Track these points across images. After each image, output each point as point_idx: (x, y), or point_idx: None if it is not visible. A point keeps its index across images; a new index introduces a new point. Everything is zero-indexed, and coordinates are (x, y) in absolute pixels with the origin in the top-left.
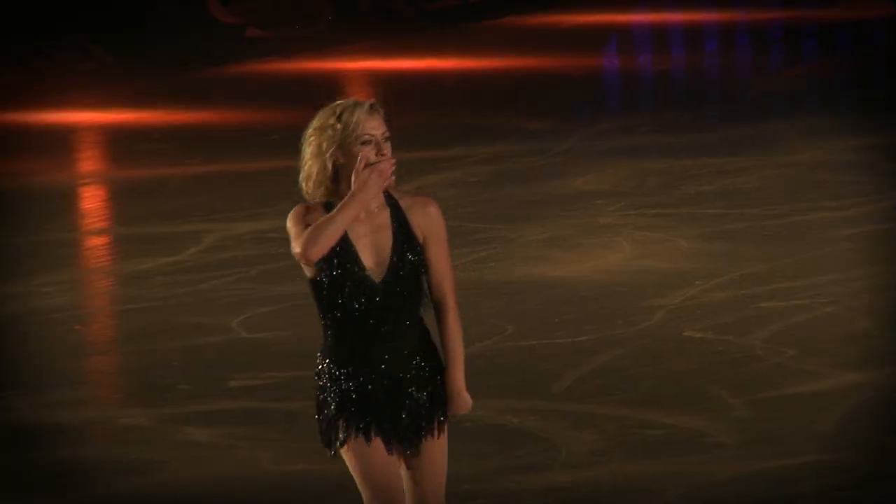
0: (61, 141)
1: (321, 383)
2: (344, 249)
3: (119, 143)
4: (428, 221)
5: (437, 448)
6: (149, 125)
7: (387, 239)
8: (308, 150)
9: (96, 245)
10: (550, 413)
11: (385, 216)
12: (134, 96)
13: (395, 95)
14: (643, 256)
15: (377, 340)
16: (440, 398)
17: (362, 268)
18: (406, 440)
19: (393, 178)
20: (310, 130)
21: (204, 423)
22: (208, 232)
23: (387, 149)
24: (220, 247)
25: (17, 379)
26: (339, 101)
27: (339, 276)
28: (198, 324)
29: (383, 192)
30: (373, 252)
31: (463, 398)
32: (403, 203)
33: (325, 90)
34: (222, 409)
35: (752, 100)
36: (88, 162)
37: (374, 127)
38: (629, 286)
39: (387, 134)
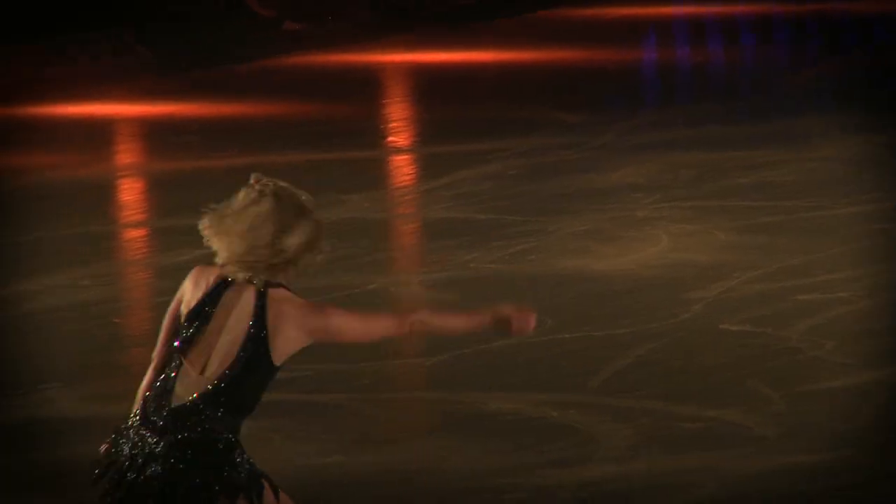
0: (99, 133)
1: (244, 464)
2: None
3: (156, 135)
4: None
5: None
6: (186, 118)
7: None
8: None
9: (134, 237)
10: (587, 407)
11: None
12: (171, 89)
13: (431, 88)
14: (680, 249)
15: None
16: None
17: None
18: None
19: None
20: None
21: None
22: None
23: None
24: None
25: (55, 372)
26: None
27: None
28: None
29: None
30: None
31: None
32: None
33: (360, 83)
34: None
35: (787, 94)
36: (126, 154)
37: None
38: (666, 279)
39: None
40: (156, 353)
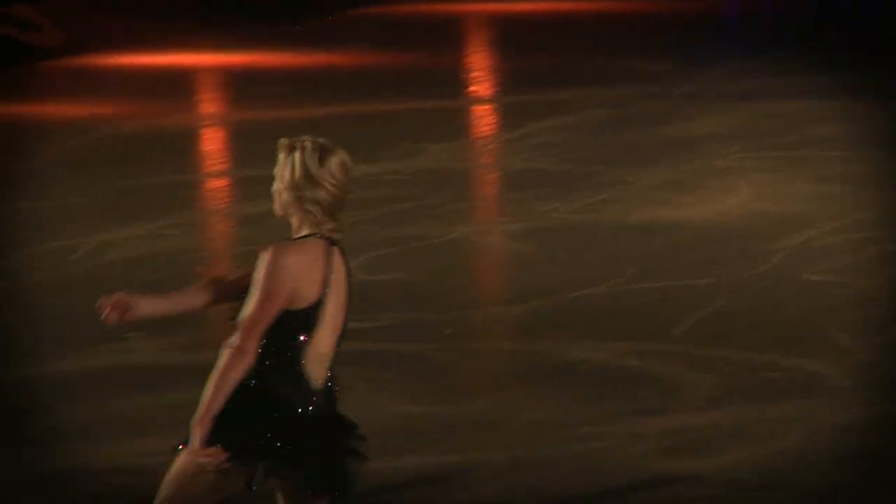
0: (182, 83)
1: None
2: None
3: (239, 85)
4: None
5: None
6: (268, 68)
7: None
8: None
9: (215, 187)
10: (670, 356)
11: None
12: (254, 39)
13: (514, 38)
14: (762, 199)
15: None
16: None
17: None
18: None
19: None
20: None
21: None
22: None
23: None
24: None
25: (140, 321)
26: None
27: None
28: None
29: None
30: None
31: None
32: None
33: (442, 33)
34: (342, 351)
35: (872, 41)
36: (209, 104)
37: None
38: (748, 229)
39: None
40: (244, 342)
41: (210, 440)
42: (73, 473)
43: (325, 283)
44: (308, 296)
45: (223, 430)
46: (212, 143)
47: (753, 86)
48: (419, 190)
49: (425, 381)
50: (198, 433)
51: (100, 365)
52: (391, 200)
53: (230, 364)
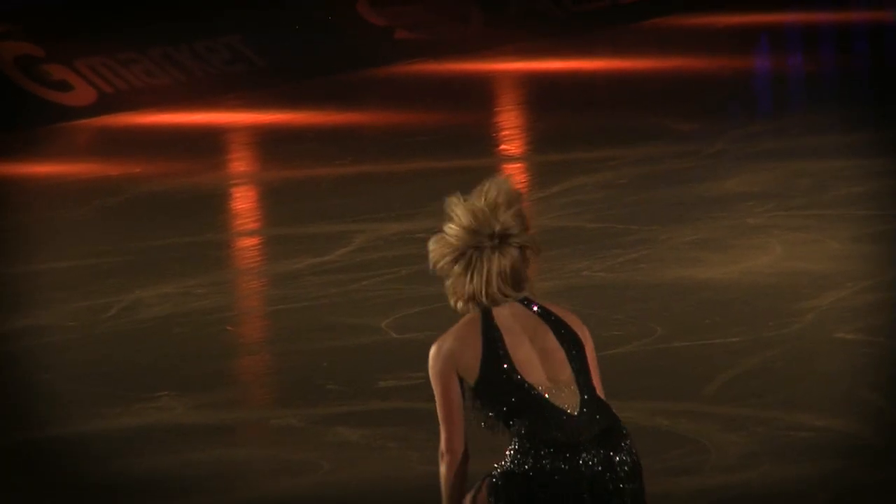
0: (213, 142)
1: None
2: None
3: (269, 144)
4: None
5: None
6: (299, 126)
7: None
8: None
9: (247, 246)
10: (701, 415)
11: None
12: (284, 98)
13: (544, 97)
14: (793, 258)
15: None
16: None
17: None
18: None
19: None
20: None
21: (354, 423)
22: (358, 232)
23: None
24: (369, 247)
25: (170, 380)
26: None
27: None
28: (347, 324)
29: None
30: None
31: None
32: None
33: (473, 92)
34: (372, 410)
35: None
36: (239, 163)
37: None
38: (779, 288)
39: None
40: (443, 443)
41: None
42: None
43: (484, 350)
44: (474, 367)
45: None
46: (243, 201)
47: (785, 144)
48: None
49: None
50: None
51: (132, 423)
52: (421, 259)
53: (441, 468)
